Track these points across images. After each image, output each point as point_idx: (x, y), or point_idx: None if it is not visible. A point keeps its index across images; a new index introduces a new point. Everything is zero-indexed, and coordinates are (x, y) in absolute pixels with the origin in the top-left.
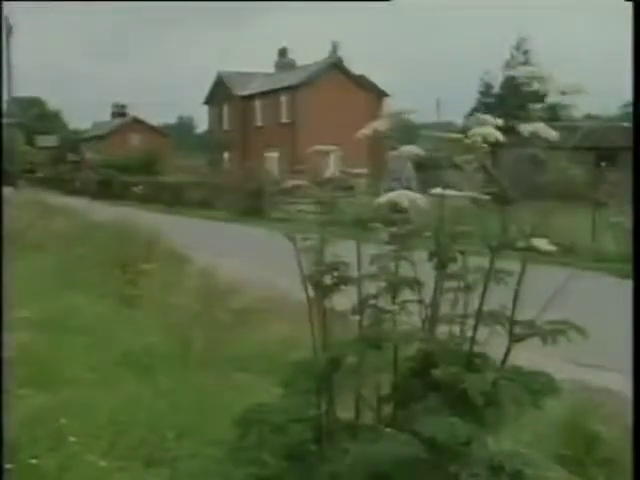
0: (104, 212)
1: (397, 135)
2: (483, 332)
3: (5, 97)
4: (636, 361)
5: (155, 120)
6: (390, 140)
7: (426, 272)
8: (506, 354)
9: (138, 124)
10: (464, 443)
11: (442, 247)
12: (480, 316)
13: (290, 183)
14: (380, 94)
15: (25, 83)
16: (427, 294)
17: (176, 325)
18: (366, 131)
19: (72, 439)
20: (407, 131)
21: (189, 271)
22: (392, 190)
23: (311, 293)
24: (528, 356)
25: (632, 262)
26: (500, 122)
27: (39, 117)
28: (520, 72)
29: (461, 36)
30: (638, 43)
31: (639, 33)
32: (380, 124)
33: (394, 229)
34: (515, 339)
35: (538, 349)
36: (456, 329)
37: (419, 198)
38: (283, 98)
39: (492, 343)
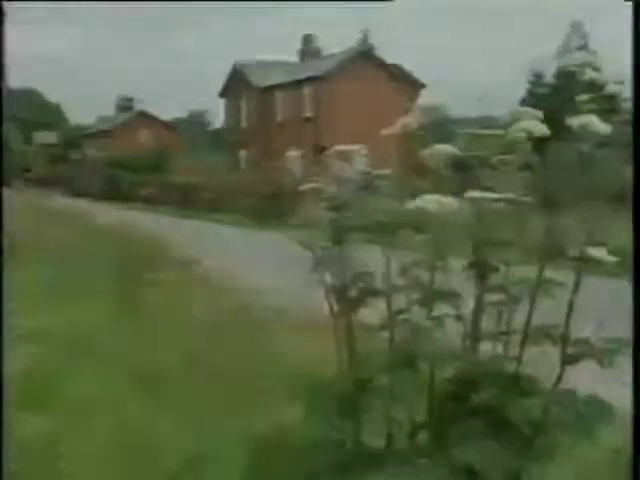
0: (108, 215)
1: (430, 132)
2: (531, 352)
3: None
4: (636, 361)
5: (165, 114)
6: (422, 138)
7: (464, 284)
8: (558, 377)
9: (146, 119)
10: (508, 475)
11: (482, 256)
12: (527, 333)
13: (309, 185)
14: (416, 85)
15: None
16: (465, 308)
17: (188, 340)
18: (394, 129)
19: (70, 468)
20: (442, 127)
21: (202, 281)
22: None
23: (335, 306)
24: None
25: (632, 262)
26: (540, 115)
27: (36, 111)
28: (573, 59)
29: (506, 20)
30: (638, 43)
31: (639, 33)
32: (410, 121)
33: (426, 236)
34: (568, 360)
35: (578, 367)
36: (499, 347)
37: (452, 202)
38: (307, 90)
39: (541, 364)
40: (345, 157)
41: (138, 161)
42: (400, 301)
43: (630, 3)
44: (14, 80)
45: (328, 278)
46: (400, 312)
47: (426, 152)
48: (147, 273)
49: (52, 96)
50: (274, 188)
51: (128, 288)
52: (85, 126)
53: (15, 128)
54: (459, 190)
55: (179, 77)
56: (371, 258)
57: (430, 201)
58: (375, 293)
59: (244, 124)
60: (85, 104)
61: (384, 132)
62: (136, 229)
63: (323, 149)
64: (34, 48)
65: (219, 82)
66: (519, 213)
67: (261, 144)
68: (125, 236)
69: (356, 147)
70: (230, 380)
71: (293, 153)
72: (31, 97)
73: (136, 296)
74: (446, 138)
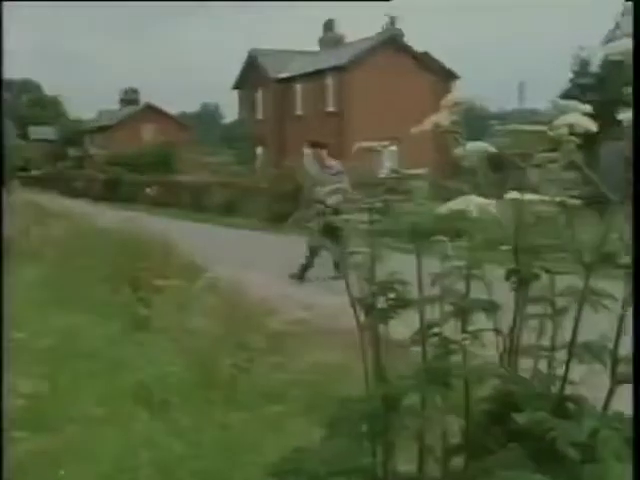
0: (111, 217)
1: (465, 128)
2: (578, 369)
3: None
4: (636, 361)
5: (173, 108)
6: (456, 135)
7: (503, 294)
8: (607, 398)
9: (152, 113)
10: None
11: (523, 263)
12: (573, 349)
13: (332, 186)
14: (448, 76)
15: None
16: (505, 321)
17: (197, 352)
18: (425, 126)
19: None
20: (478, 122)
21: (212, 288)
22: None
23: (361, 317)
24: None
25: (632, 262)
26: (588, 108)
27: (33, 104)
28: (621, 47)
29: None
30: (638, 43)
31: (639, 33)
32: (443, 116)
33: (463, 241)
34: (619, 380)
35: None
36: (543, 364)
37: (490, 204)
38: (329, 81)
39: (589, 383)
40: (372, 155)
41: (144, 159)
42: (433, 313)
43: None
44: (9, 70)
45: (355, 287)
46: (433, 325)
47: (460, 150)
48: (153, 280)
49: (50, 88)
50: (292, 188)
51: (132, 296)
52: (86, 120)
53: (9, 122)
54: (497, 191)
55: (188, 68)
56: (402, 266)
57: (468, 203)
58: (406, 304)
59: (260, 118)
60: (86, 97)
61: (415, 130)
62: (141, 233)
63: (318, 145)
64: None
65: (232, 73)
66: (564, 216)
67: (278, 140)
68: (129, 241)
69: (384, 144)
70: (243, 398)
71: (307, 151)
72: (27, 89)
73: (140, 305)
74: (482, 134)
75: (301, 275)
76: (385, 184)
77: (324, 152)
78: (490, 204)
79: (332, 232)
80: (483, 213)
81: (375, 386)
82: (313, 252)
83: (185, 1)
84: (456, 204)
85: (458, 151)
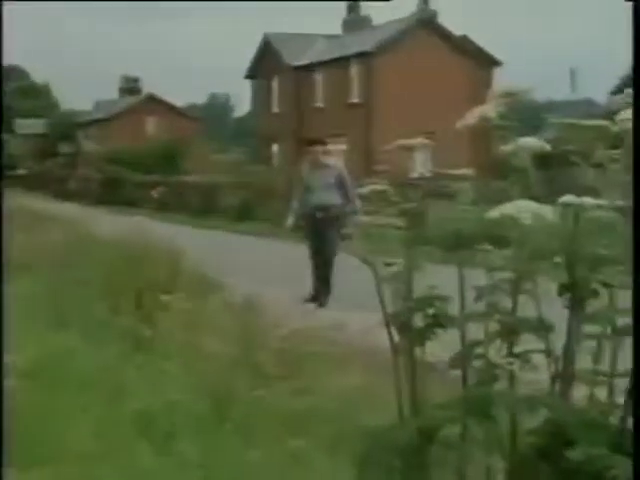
0: (109, 223)
1: (514, 122)
2: None
3: None
4: (636, 361)
5: (179, 99)
6: (504, 130)
7: (555, 311)
8: None
9: (156, 104)
10: None
11: (579, 277)
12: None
13: (369, 188)
14: (488, 62)
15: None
16: (558, 342)
17: (208, 378)
18: (470, 120)
19: None
20: (528, 116)
21: (225, 304)
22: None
23: (395, 337)
24: None
25: (632, 263)
26: None
27: (20, 93)
28: None
29: None
30: (638, 43)
31: (639, 33)
32: (490, 109)
33: (510, 251)
34: None
35: None
36: (600, 392)
37: (546, 210)
38: (354, 69)
39: None
40: (408, 154)
41: (146, 157)
42: (476, 332)
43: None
44: None
45: (389, 302)
46: (476, 346)
47: (508, 147)
48: (157, 295)
49: (39, 75)
50: None
51: (133, 314)
52: (80, 112)
53: None
54: (549, 194)
55: (196, 54)
56: (442, 278)
57: (520, 209)
58: (446, 322)
59: (276, 111)
60: (80, 85)
61: (459, 124)
62: (144, 242)
63: (315, 143)
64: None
65: (245, 60)
66: (626, 223)
67: (296, 136)
68: (130, 251)
69: (424, 142)
70: (260, 430)
71: (336, 147)
72: (14, 76)
73: (143, 324)
74: (528, 128)
75: (321, 299)
76: (422, 186)
77: (318, 150)
78: (546, 210)
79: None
80: (538, 220)
81: (409, 416)
82: (327, 267)
83: None
84: (507, 209)
85: (507, 148)
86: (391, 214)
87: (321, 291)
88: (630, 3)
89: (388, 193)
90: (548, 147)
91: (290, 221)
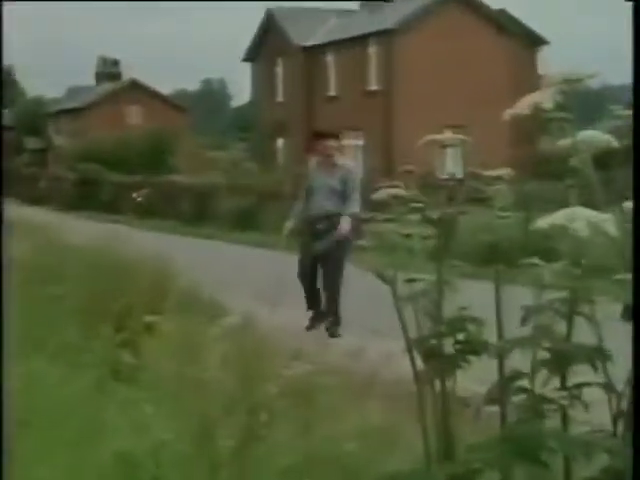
0: (86, 231)
1: (572, 113)
2: None
3: None
4: (636, 362)
5: (167, 86)
6: (561, 123)
7: (616, 337)
8: None
9: (139, 91)
10: None
11: None
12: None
13: (385, 192)
14: (533, 41)
15: None
16: (619, 373)
17: (199, 413)
18: (521, 110)
19: None
20: (586, 105)
21: (221, 328)
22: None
23: (421, 366)
24: None
25: (632, 263)
26: None
27: None
28: None
29: None
30: (638, 43)
31: (639, 33)
32: (545, 97)
33: (561, 266)
34: None
35: None
36: None
37: (604, 219)
38: (372, 51)
39: None
40: (437, 151)
41: (127, 153)
42: (519, 362)
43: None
44: None
45: (411, 325)
46: (517, 378)
47: (565, 143)
48: (142, 316)
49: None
50: None
51: (113, 337)
52: (50, 101)
53: None
54: (608, 199)
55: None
56: (476, 297)
57: (573, 218)
58: (481, 349)
59: (280, 100)
60: (50, 70)
61: (507, 114)
62: (126, 254)
63: (320, 136)
64: None
65: (244, 39)
66: None
67: (305, 130)
68: (110, 264)
69: (454, 137)
70: (258, 477)
71: (351, 142)
72: None
73: (125, 349)
74: (591, 120)
75: (330, 329)
76: (452, 188)
77: (329, 145)
78: (605, 219)
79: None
80: (596, 232)
81: (439, 459)
82: (332, 289)
83: None
84: (558, 218)
85: (564, 144)
86: (415, 222)
87: (324, 316)
88: (630, 3)
89: (409, 197)
90: (615, 143)
91: (289, 226)
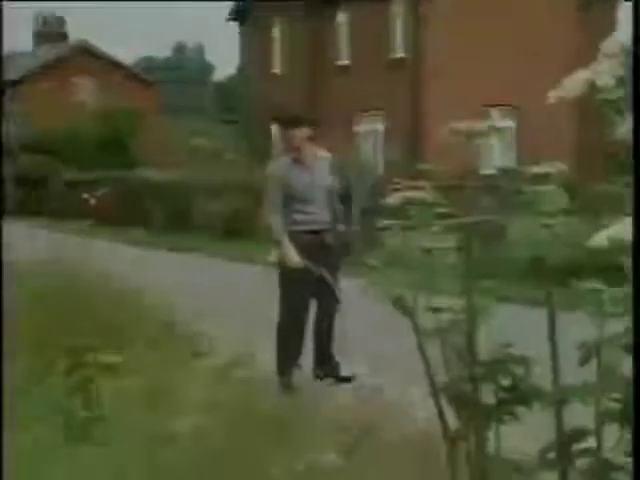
0: (29, 244)
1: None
2: None
3: None
4: (636, 361)
5: (129, 53)
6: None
7: None
8: None
9: (91, 59)
10: None
11: None
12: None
13: (404, 195)
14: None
15: None
16: None
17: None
18: (570, 89)
19: None
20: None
21: (201, 366)
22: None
23: (453, 419)
24: None
25: (632, 263)
26: None
27: None
28: None
29: None
30: (638, 43)
31: (639, 33)
32: (602, 72)
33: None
34: None
35: None
36: None
37: None
38: (397, 7)
39: None
40: (475, 141)
41: (77, 140)
42: (579, 415)
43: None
44: None
45: (439, 366)
46: (579, 435)
47: (625, 130)
48: (100, 354)
49: None
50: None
51: (63, 382)
52: None
53: None
54: None
55: None
56: (516, 327)
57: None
58: (530, 397)
59: (276, 72)
60: None
61: (553, 96)
62: (79, 272)
63: (290, 123)
64: None
65: None
66: None
67: (309, 110)
68: (58, 286)
69: (491, 125)
70: None
71: (368, 127)
72: None
73: (78, 398)
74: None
75: (284, 368)
76: (492, 189)
77: (300, 134)
78: None
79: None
80: None
81: None
82: (327, 327)
83: None
84: (617, 232)
85: (623, 132)
86: (441, 232)
87: (332, 359)
88: (630, 3)
89: (434, 201)
90: None
91: (281, 253)
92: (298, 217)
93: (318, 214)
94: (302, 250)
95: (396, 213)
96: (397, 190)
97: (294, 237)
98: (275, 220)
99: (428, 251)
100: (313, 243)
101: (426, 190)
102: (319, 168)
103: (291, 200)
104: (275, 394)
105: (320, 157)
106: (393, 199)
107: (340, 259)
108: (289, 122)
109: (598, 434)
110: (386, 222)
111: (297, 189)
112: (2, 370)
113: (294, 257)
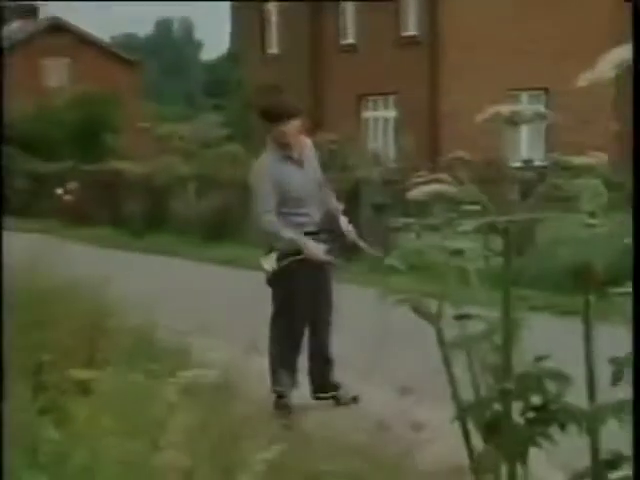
0: None
1: None
2: None
3: None
4: (636, 361)
5: (105, 29)
6: None
7: None
8: None
9: (64, 36)
10: None
11: None
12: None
13: (426, 189)
14: None
15: None
16: None
17: None
18: (603, 71)
19: None
20: None
21: (185, 385)
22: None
23: (478, 446)
24: None
25: (632, 263)
26: None
27: None
28: None
29: None
30: (638, 43)
31: (639, 33)
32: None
33: None
34: None
35: None
36: None
37: None
38: None
39: None
40: (506, 128)
41: (48, 128)
42: (617, 434)
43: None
44: None
45: (463, 383)
46: (620, 460)
47: None
48: (71, 370)
49: None
50: (348, 188)
51: (28, 402)
52: None
53: None
54: None
55: None
56: (551, 340)
57: None
58: (567, 419)
59: (274, 52)
60: None
61: (583, 79)
62: (48, 277)
63: (281, 117)
64: None
65: None
66: None
67: (310, 93)
68: (22, 293)
69: (528, 109)
70: None
71: (377, 113)
72: None
73: (44, 419)
74: None
75: (279, 386)
76: (526, 183)
77: (291, 129)
78: None
79: None
80: None
81: None
82: (324, 336)
83: None
84: None
85: None
86: (469, 232)
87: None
88: (629, 3)
89: (461, 196)
90: None
91: (274, 261)
92: (293, 220)
93: (313, 213)
94: (294, 256)
95: (418, 209)
96: (418, 184)
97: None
98: (272, 221)
99: (455, 253)
100: (326, 244)
101: (451, 184)
102: (308, 160)
103: (283, 202)
104: (259, 407)
105: (306, 146)
106: (415, 194)
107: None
108: (276, 118)
109: (637, 460)
110: (403, 220)
111: (290, 189)
112: None
113: (318, 250)
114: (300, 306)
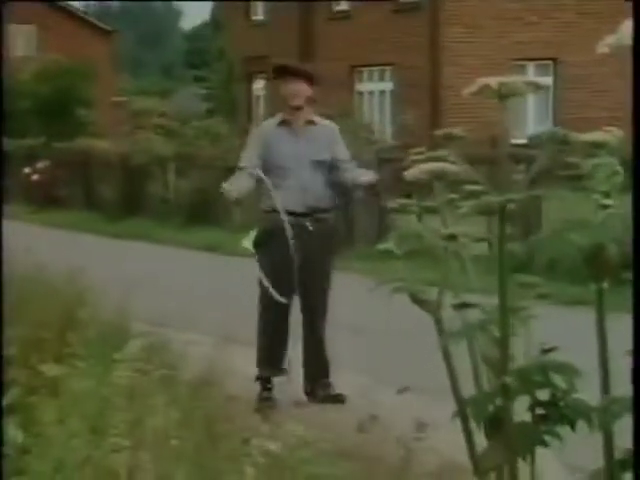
0: None
1: None
2: None
3: None
4: (636, 361)
5: None
6: None
7: None
8: None
9: (33, 4)
10: None
11: None
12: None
13: (423, 168)
14: None
15: None
16: None
17: None
18: (622, 37)
19: None
20: None
21: (164, 380)
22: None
23: (482, 444)
24: None
25: (632, 263)
26: None
27: None
28: None
29: None
30: (638, 43)
31: (639, 33)
32: None
33: None
34: None
35: None
36: None
37: None
38: None
39: None
40: (508, 101)
41: (14, 100)
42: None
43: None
44: None
45: (463, 376)
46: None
47: None
48: (36, 366)
49: None
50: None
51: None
52: None
53: None
54: None
55: None
56: (560, 331)
57: None
58: (575, 415)
59: (260, 19)
60: None
61: (603, 45)
62: (15, 266)
63: (284, 72)
64: None
65: None
66: None
67: (299, 63)
68: None
69: (529, 81)
70: None
71: (373, 85)
72: None
73: (10, 419)
74: None
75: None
76: (530, 160)
77: (304, 90)
78: None
79: None
80: None
81: None
82: (319, 327)
83: None
84: None
85: None
86: (470, 214)
87: (325, 373)
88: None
89: (461, 175)
90: None
91: (253, 238)
92: (288, 197)
93: (299, 192)
94: (275, 234)
95: (414, 189)
96: (416, 162)
97: (266, 217)
98: (239, 175)
99: (454, 237)
100: (290, 227)
101: (451, 162)
102: (312, 138)
103: (267, 170)
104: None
105: (319, 125)
106: (412, 173)
107: (329, 250)
108: (293, 73)
109: (637, 460)
110: (400, 201)
111: (272, 153)
112: None
113: (248, 242)
114: (281, 280)
